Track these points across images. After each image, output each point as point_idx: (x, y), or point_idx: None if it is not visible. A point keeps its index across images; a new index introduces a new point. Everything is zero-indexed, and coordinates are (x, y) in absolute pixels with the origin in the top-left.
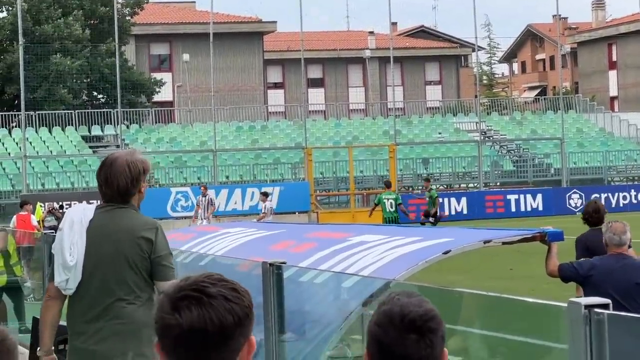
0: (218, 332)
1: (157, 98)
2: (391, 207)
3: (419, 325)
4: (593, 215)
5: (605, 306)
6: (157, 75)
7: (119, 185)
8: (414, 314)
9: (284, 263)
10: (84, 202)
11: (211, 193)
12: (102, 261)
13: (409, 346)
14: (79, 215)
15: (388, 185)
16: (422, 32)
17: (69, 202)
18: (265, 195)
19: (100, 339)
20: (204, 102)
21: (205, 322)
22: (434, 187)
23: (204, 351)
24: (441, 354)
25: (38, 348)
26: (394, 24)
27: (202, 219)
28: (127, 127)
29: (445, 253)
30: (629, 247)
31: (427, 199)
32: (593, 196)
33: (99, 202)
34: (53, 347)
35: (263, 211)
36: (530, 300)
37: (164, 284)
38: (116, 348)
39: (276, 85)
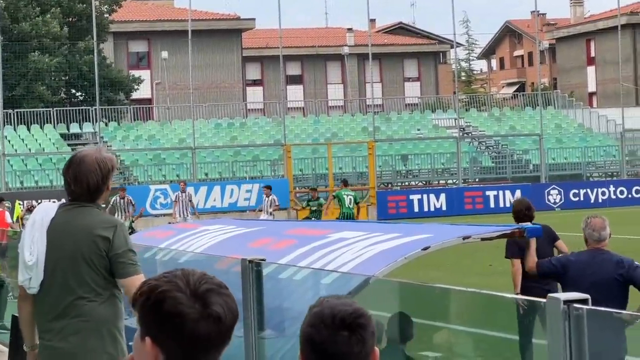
0: (236, 319)
1: (135, 95)
2: (350, 204)
3: (349, 323)
4: (526, 213)
5: (584, 301)
6: (136, 73)
7: (89, 183)
8: (344, 313)
9: (263, 260)
10: (63, 200)
11: (190, 190)
12: (62, 260)
13: (341, 343)
14: (41, 214)
15: (345, 183)
16: (400, 29)
17: (47, 200)
18: (269, 188)
19: (63, 337)
20: (182, 100)
21: (231, 311)
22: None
23: (227, 339)
24: (372, 351)
25: (24, 344)
26: (372, 20)
27: (181, 216)
28: (106, 124)
29: (425, 249)
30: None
31: (317, 207)
32: (571, 192)
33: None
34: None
35: (276, 203)
36: (510, 296)
37: (125, 280)
38: (79, 346)
39: (255, 82)
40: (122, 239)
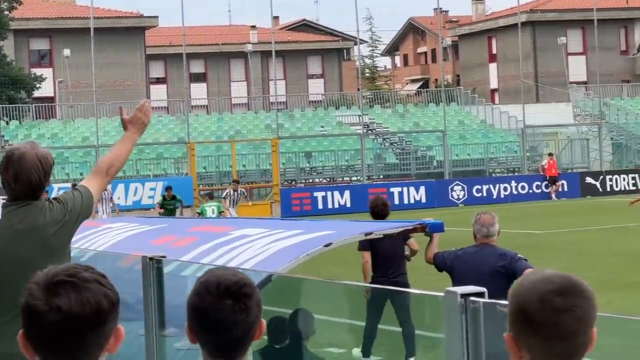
0: (95, 315)
1: (37, 94)
2: (213, 213)
3: (234, 291)
4: (382, 208)
5: (480, 294)
6: (37, 71)
7: (31, 181)
8: (229, 282)
9: (163, 257)
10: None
11: (109, 188)
12: (21, 263)
13: (225, 310)
14: None
15: (211, 196)
16: (304, 26)
17: None
18: (237, 182)
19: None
20: (85, 98)
21: (83, 306)
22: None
23: (81, 335)
24: (258, 321)
25: None
26: (276, 18)
27: (105, 213)
28: (7, 123)
29: (327, 246)
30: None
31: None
32: (474, 188)
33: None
34: None
35: (244, 194)
36: (410, 290)
37: (84, 182)
38: None
39: (158, 81)
40: (75, 202)
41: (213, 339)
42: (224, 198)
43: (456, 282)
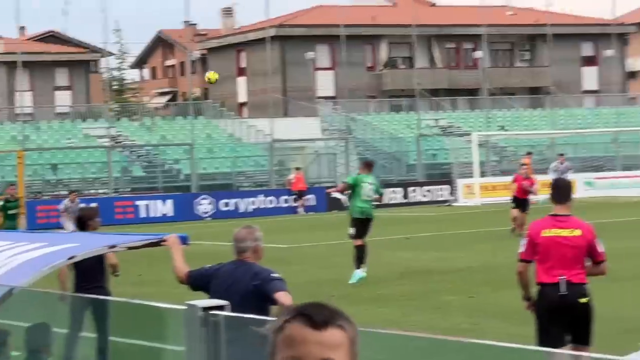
0: None
1: None
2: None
3: None
4: (88, 224)
5: (221, 308)
6: None
7: None
8: None
9: None
10: None
11: None
12: None
13: None
14: None
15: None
16: (51, 37)
17: None
18: (75, 193)
19: None
20: None
21: None
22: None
23: None
24: None
25: None
26: (22, 28)
27: None
28: None
29: (70, 258)
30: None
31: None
32: (222, 202)
33: None
34: None
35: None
36: (152, 303)
37: None
38: None
39: None
40: None
41: None
42: (63, 211)
43: (213, 298)
